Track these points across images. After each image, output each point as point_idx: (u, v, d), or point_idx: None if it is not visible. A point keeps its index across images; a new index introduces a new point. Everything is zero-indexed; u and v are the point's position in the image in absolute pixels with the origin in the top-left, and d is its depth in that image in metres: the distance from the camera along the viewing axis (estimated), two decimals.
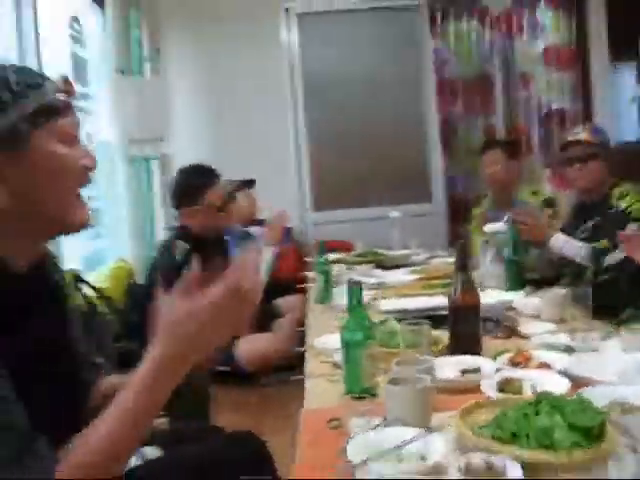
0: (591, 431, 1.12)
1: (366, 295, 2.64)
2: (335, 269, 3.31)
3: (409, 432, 1.20)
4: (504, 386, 1.43)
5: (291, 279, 4.03)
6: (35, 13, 3.53)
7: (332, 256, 3.81)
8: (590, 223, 3.02)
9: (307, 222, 5.36)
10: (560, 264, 3.05)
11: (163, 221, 4.93)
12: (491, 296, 2.44)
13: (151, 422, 1.14)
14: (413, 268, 3.28)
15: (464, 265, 1.80)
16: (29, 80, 1.15)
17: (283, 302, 3.73)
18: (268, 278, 3.84)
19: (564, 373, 1.50)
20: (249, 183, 4.17)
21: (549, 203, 3.59)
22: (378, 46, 5.45)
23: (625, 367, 1.48)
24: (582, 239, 2.96)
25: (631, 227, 2.71)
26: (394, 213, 4.19)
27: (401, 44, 5.47)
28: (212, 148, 5.29)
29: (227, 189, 3.99)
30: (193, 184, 3.20)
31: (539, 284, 2.63)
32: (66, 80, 1.19)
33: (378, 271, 3.34)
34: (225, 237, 3.58)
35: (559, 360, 1.61)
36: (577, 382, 1.45)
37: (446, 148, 5.32)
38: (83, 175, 1.22)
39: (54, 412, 1.15)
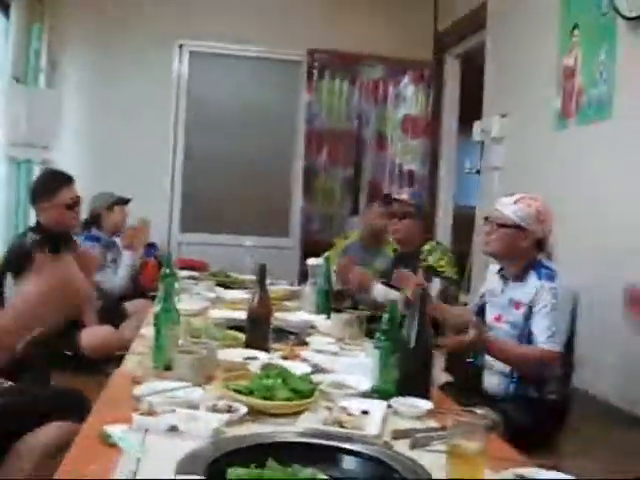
0: (302, 393, 1.68)
1: (201, 305, 3.19)
2: (185, 283, 3.83)
3: (183, 384, 1.73)
4: (265, 368, 1.96)
5: (148, 289, 4.48)
6: None
7: (187, 272, 4.33)
8: (404, 271, 3.65)
9: (173, 241, 5.83)
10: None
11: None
12: (300, 316, 3.04)
13: None
14: (249, 290, 3.80)
15: (262, 282, 2.35)
16: None
17: (132, 304, 4.17)
18: (125, 282, 4.30)
19: (313, 365, 2.06)
20: (125, 200, 4.61)
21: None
22: (259, 90, 6.08)
23: (353, 364, 2.07)
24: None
25: (436, 281, 3.39)
26: (248, 242, 4.74)
27: (280, 92, 6.13)
28: (94, 160, 5.66)
29: (107, 201, 4.44)
30: (48, 183, 3.64)
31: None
32: None
33: (220, 289, 3.84)
34: (80, 236, 4.02)
35: (317, 358, 2.18)
36: (317, 370, 2.01)
37: (306, 190, 5.93)
38: None
39: None
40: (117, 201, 4.58)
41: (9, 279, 3.43)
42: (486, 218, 2.78)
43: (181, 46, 5.92)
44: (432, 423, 1.69)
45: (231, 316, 2.88)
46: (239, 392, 1.66)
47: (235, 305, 3.26)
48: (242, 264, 4.59)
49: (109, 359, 3.43)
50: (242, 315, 2.83)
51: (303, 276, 5.04)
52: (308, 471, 1.23)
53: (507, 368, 2.66)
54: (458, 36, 5.73)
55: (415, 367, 1.86)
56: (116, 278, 4.24)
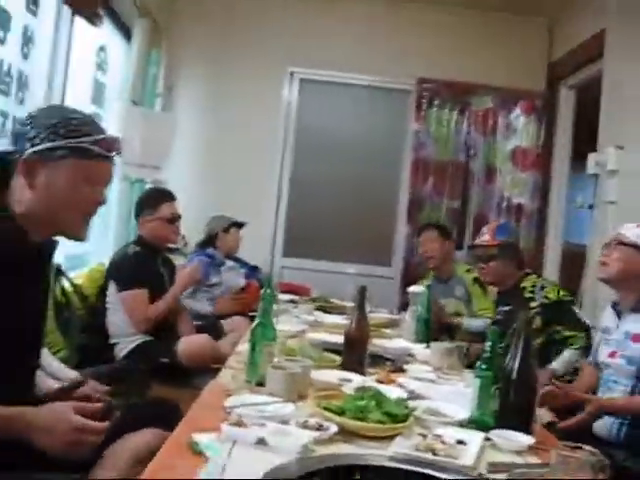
0: (396, 417, 1.62)
1: (300, 327, 3.18)
2: (285, 305, 3.86)
3: (275, 399, 1.70)
4: (359, 390, 1.91)
5: (249, 310, 4.54)
6: (70, 38, 4.08)
7: (288, 296, 4.35)
8: (503, 308, 3.53)
9: (276, 265, 5.87)
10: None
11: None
12: (399, 343, 2.98)
13: None
14: (348, 315, 3.77)
15: (361, 306, 2.31)
16: (83, 128, 1.63)
17: (230, 321, 4.23)
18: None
19: (409, 391, 1.99)
20: (241, 224, 4.77)
21: (477, 280, 4.10)
22: (367, 119, 6.07)
23: (450, 392, 1.99)
24: (496, 320, 3.49)
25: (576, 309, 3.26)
26: (350, 269, 4.73)
27: (388, 121, 6.10)
28: (203, 182, 5.82)
29: (224, 223, 4.61)
30: (152, 198, 3.79)
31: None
32: (117, 140, 1.70)
33: (319, 313, 3.83)
34: (196, 253, 4.15)
35: (413, 384, 2.11)
36: (415, 397, 1.94)
37: (411, 220, 5.85)
38: (92, 209, 1.71)
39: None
40: (233, 224, 4.74)
41: (112, 286, 3.57)
42: (605, 245, 2.67)
43: (292, 73, 6.01)
44: (533, 459, 1.59)
45: (329, 339, 2.85)
46: (331, 411, 1.62)
47: (334, 329, 3.23)
48: (343, 291, 4.57)
49: (204, 370, 3.48)
50: (340, 339, 2.81)
51: (403, 306, 4.98)
52: None
53: None
54: (573, 65, 5.55)
55: (517, 399, 1.76)
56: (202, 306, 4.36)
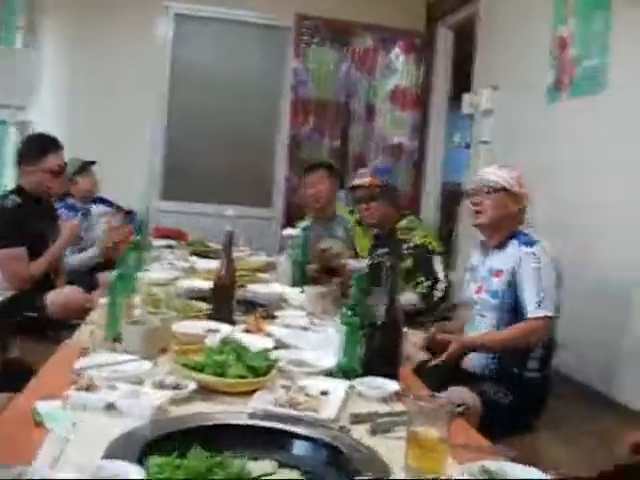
0: (257, 370, 1.56)
1: (172, 274, 3.07)
2: (161, 252, 3.72)
3: (129, 357, 1.60)
4: (224, 342, 1.83)
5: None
6: None
7: (164, 242, 4.20)
8: (381, 250, 3.52)
9: (152, 209, 5.66)
10: None
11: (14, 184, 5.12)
12: (272, 288, 2.92)
13: None
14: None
15: (228, 251, 2.22)
16: None
17: (102, 276, 4.03)
18: (97, 256, 4.17)
19: (276, 339, 1.94)
20: (89, 164, 4.46)
21: (359, 222, 4.07)
22: (245, 56, 5.89)
23: (318, 339, 1.95)
24: (376, 263, 3.49)
25: (435, 259, 3.27)
26: (229, 211, 4.58)
27: (267, 58, 5.94)
28: (73, 123, 5.48)
29: (74, 166, 4.29)
30: (36, 147, 3.50)
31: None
32: None
33: (195, 258, 3.71)
34: (57, 205, 3.88)
35: (281, 332, 2.06)
36: (282, 346, 1.89)
37: (291, 161, 5.77)
38: None
39: None
40: (83, 166, 4.43)
41: None
42: (468, 192, 2.67)
43: (167, 7, 5.71)
44: (398, 407, 1.58)
45: (202, 286, 2.75)
46: (189, 367, 1.54)
47: (209, 275, 3.13)
48: (221, 234, 4.46)
49: (72, 324, 3.32)
50: (209, 285, 2.73)
51: (283, 247, 4.93)
52: (240, 460, 1.11)
53: None
54: (451, 5, 5.56)
55: (383, 344, 1.73)
56: (88, 254, 4.11)
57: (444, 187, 6.00)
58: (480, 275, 2.67)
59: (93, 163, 4.40)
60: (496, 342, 2.53)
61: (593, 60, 3.44)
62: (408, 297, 3.14)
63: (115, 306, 1.91)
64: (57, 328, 3.27)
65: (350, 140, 6.02)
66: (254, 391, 1.52)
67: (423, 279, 3.25)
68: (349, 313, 1.75)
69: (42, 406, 1.32)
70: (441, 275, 3.29)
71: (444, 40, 5.93)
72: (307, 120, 5.80)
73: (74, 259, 3.99)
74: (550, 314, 2.40)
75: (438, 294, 3.19)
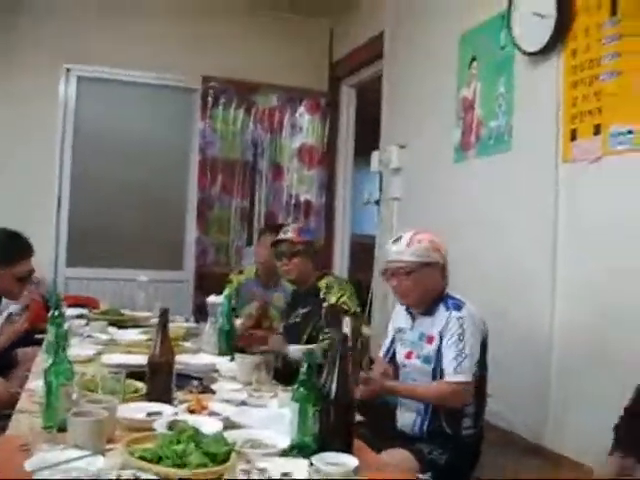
0: (217, 456, 1.52)
1: (94, 349, 2.96)
2: (75, 323, 3.57)
3: (82, 453, 1.53)
4: (172, 425, 1.79)
5: (36, 328, 4.15)
6: None
7: (75, 311, 4.03)
8: (301, 310, 3.54)
9: (60, 276, 5.48)
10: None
11: None
12: (202, 359, 2.87)
13: None
14: (144, 329, 3.58)
15: (164, 328, 2.17)
16: None
17: (23, 352, 3.84)
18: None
19: (224, 419, 1.90)
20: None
21: None
22: (152, 117, 5.85)
23: (268, 417, 1.93)
24: (295, 323, 3.50)
25: (346, 320, 3.29)
26: (142, 277, 4.49)
27: (174, 120, 5.92)
28: None
29: None
30: (7, 250, 3.37)
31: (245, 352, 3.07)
32: None
33: (113, 329, 3.60)
34: None
35: (227, 410, 2.02)
36: (231, 425, 1.86)
37: (200, 221, 5.73)
38: None
39: None
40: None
41: None
42: (385, 272, 2.70)
43: (68, 70, 5.61)
44: None
45: (127, 361, 2.67)
46: (147, 460, 1.48)
47: (132, 348, 3.05)
48: (135, 300, 4.36)
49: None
50: (140, 359, 2.64)
51: (198, 311, 4.85)
52: None
53: (420, 405, 2.59)
54: (354, 65, 5.74)
55: (337, 420, 1.73)
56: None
57: (355, 241, 6.11)
58: (409, 340, 2.71)
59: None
60: (414, 395, 2.58)
61: (499, 121, 3.61)
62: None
63: (52, 395, 1.83)
64: None
65: (258, 199, 6.04)
66: (215, 479, 1.48)
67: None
68: (301, 389, 1.74)
69: None
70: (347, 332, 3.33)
71: (347, 99, 6.10)
72: (215, 180, 5.79)
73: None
74: (464, 380, 2.46)
75: None
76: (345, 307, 3.34)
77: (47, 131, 5.50)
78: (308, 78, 6.04)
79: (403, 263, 2.57)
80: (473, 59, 3.90)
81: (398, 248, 2.59)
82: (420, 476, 1.38)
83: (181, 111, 5.95)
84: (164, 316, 2.18)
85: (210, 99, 5.83)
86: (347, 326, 3.15)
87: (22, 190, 5.32)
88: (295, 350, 3.20)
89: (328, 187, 6.13)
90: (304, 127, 6.11)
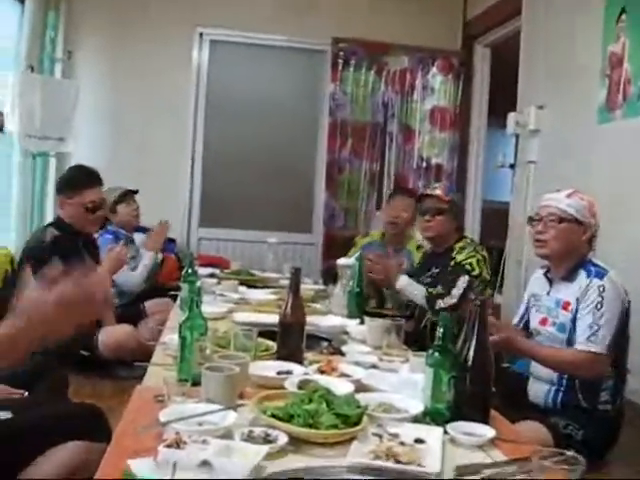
0: (349, 418, 1.48)
1: (225, 307, 3.00)
2: (207, 281, 3.64)
3: (214, 408, 1.53)
4: (302, 385, 1.76)
5: (168, 286, 4.31)
6: None
7: (207, 270, 4.12)
8: (434, 270, 3.45)
9: (192, 236, 5.63)
10: (409, 304, 3.51)
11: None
12: (332, 320, 2.84)
13: None
14: (274, 289, 3.61)
15: (295, 289, 2.14)
16: None
17: (152, 304, 3.99)
18: (147, 281, 4.13)
19: (355, 381, 1.86)
20: (131, 192, 4.43)
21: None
22: (282, 81, 5.86)
23: (400, 382, 1.86)
24: (426, 283, 3.41)
25: (463, 278, 3.20)
26: (271, 239, 4.53)
27: (303, 83, 5.91)
28: (110, 153, 5.49)
29: (115, 194, 4.26)
30: (73, 179, 3.48)
31: (376, 315, 3.01)
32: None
33: (243, 288, 3.64)
34: (97, 236, 3.84)
35: (358, 373, 1.97)
36: (362, 388, 1.81)
37: (329, 185, 5.71)
38: None
39: None
40: (125, 193, 4.40)
41: (27, 273, 3.27)
42: (532, 218, 2.57)
43: (201, 34, 5.71)
44: (496, 453, 1.49)
45: (258, 320, 2.68)
46: (279, 418, 1.46)
47: (261, 307, 3.07)
48: (264, 261, 4.41)
49: (125, 361, 3.26)
50: (270, 319, 2.65)
51: (326, 273, 4.85)
52: None
53: (554, 375, 2.46)
54: (489, 24, 5.50)
55: (473, 388, 1.64)
56: (135, 277, 4.05)
57: (487, 206, 5.91)
58: (545, 305, 2.57)
59: (135, 192, 4.38)
60: (539, 356, 2.44)
61: None
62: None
63: (187, 349, 1.85)
64: (107, 366, 3.23)
65: (388, 162, 5.94)
66: (346, 441, 1.44)
67: (439, 289, 3.26)
68: (436, 354, 1.67)
69: (135, 465, 1.25)
70: (455, 292, 3.21)
71: (482, 59, 5.87)
72: (345, 144, 5.74)
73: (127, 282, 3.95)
74: (597, 350, 2.29)
75: (441, 304, 3.21)
76: (468, 267, 3.23)
77: (181, 95, 5.64)
78: (440, 38, 5.85)
79: (557, 210, 2.43)
80: (622, 11, 3.61)
81: (556, 196, 2.48)
82: (567, 453, 1.27)
83: (310, 74, 5.93)
84: (296, 276, 2.15)
85: (340, 61, 5.76)
86: (462, 285, 3.06)
87: (157, 154, 5.49)
88: (404, 281, 3.21)
89: (460, 150, 5.94)
90: (436, 88, 5.94)
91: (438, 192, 3.42)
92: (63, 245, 3.31)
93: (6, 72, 4.65)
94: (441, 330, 1.69)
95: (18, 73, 4.61)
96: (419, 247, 4.04)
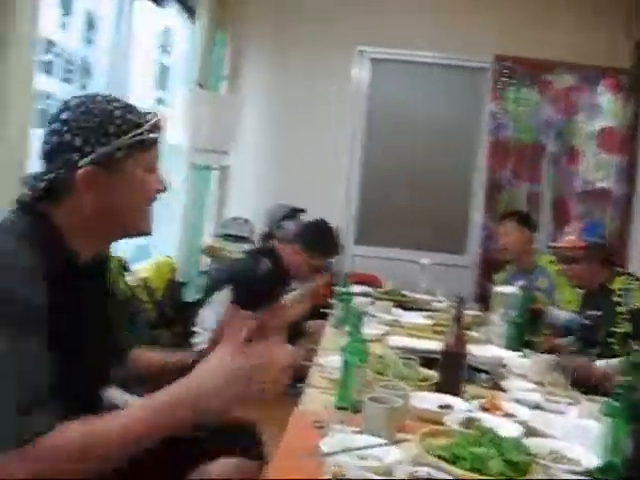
0: (518, 465, 1.39)
1: (379, 329, 2.96)
2: (359, 301, 3.62)
3: (376, 440, 1.48)
4: (467, 424, 1.68)
5: (322, 304, 4.32)
6: (131, 21, 3.92)
7: (360, 288, 4.10)
8: (591, 312, 3.20)
9: (347, 253, 5.64)
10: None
11: (211, 230, 5.33)
12: (491, 351, 2.73)
13: (137, 449, 1.27)
14: (429, 313, 3.53)
15: (459, 317, 2.07)
16: (132, 118, 1.44)
17: (313, 324, 4.01)
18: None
19: (522, 423, 1.75)
20: (299, 211, 4.51)
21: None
22: (441, 99, 5.78)
23: (570, 428, 1.74)
24: (585, 326, 3.19)
25: None
26: (424, 260, 4.46)
27: (463, 101, 5.80)
28: (269, 168, 5.63)
29: (282, 212, 4.36)
30: (321, 244, 3.65)
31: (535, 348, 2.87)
32: (159, 118, 1.50)
33: (397, 310, 3.59)
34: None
35: (523, 413, 1.86)
36: (529, 432, 1.70)
37: (489, 206, 5.55)
38: (155, 196, 1.53)
39: (83, 373, 1.37)
40: (293, 212, 4.51)
41: (223, 295, 3.38)
42: None
43: (361, 52, 5.74)
44: None
45: (415, 345, 2.63)
46: (443, 459, 1.39)
47: (416, 331, 3.01)
48: (415, 281, 4.34)
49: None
50: (427, 345, 2.58)
51: (480, 298, 4.70)
52: None
53: None
54: None
55: None
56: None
57: None
58: None
59: (302, 211, 4.46)
60: None
61: None
62: (615, 363, 2.82)
63: (347, 373, 1.82)
64: None
65: (549, 184, 5.70)
66: None
67: None
68: (615, 403, 1.54)
69: None
70: None
71: None
72: (505, 164, 5.56)
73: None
74: None
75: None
76: None
77: (339, 111, 5.68)
78: (607, 56, 5.52)
79: None
80: None
81: None
82: None
83: (471, 91, 5.80)
84: (460, 305, 2.08)
85: (502, 79, 5.59)
86: None
87: (314, 171, 5.56)
88: (603, 365, 2.87)
89: (629, 175, 5.58)
90: (604, 108, 5.61)
91: (571, 239, 3.19)
92: (273, 282, 3.43)
93: (176, 88, 4.89)
94: (624, 377, 1.56)
95: (187, 89, 4.82)
96: (552, 261, 3.88)
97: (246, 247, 4.70)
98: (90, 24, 3.45)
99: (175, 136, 4.76)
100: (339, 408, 1.80)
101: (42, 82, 2.92)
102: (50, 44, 3.06)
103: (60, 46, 3.14)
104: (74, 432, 1.21)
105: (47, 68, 3.04)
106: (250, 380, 1.32)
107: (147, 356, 1.83)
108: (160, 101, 4.79)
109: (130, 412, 1.27)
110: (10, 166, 2.47)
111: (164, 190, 1.54)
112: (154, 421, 1.27)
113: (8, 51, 2.48)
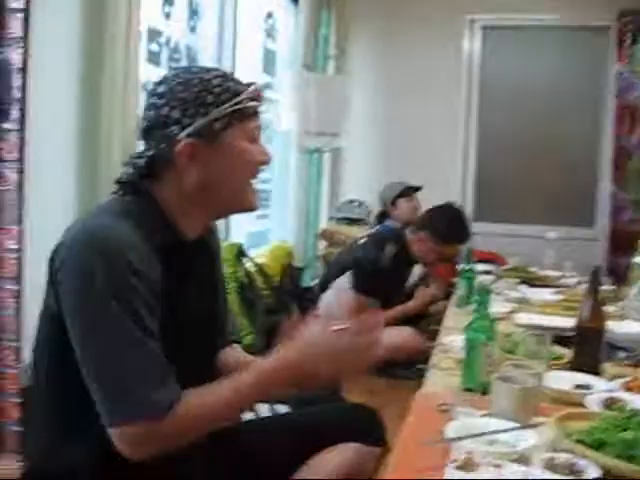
0: None
1: (506, 307, 2.79)
2: (482, 279, 3.45)
3: (507, 424, 1.34)
4: (609, 404, 1.51)
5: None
6: (235, 8, 3.91)
7: (482, 266, 3.93)
8: None
9: None
10: None
11: (327, 212, 5.26)
12: (628, 327, 2.50)
13: (250, 406, 1.43)
14: (558, 289, 3.32)
15: (595, 291, 1.88)
16: (230, 86, 1.37)
17: (434, 305, 3.89)
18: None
19: None
20: (414, 189, 4.37)
21: None
22: (560, 64, 5.47)
23: None
24: None
25: None
26: (551, 234, 4.23)
27: (584, 64, 5.45)
28: (382, 148, 5.52)
29: (396, 190, 4.24)
30: (452, 233, 3.61)
31: None
32: (260, 88, 1.42)
33: (523, 287, 3.40)
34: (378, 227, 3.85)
35: None
36: None
37: (616, 174, 5.19)
38: (258, 168, 1.45)
39: (184, 362, 1.34)
40: (407, 190, 4.36)
41: (345, 277, 3.35)
42: None
43: (472, 21, 5.50)
44: None
45: (546, 323, 2.45)
46: (586, 445, 1.24)
47: (546, 308, 2.82)
48: (541, 257, 4.11)
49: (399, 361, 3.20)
50: (560, 322, 2.41)
51: (613, 272, 4.40)
52: None
53: None
54: None
55: None
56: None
57: None
58: None
59: (418, 189, 4.33)
60: None
61: None
62: None
63: (472, 353, 1.69)
64: (388, 365, 3.17)
65: None
66: None
67: None
68: None
69: None
70: None
71: None
72: (634, 128, 5.18)
73: None
74: None
75: None
76: None
77: (451, 84, 5.50)
78: None
79: None
80: None
81: None
82: None
83: (591, 53, 5.45)
84: (596, 276, 1.90)
85: (627, 36, 5.21)
86: None
87: (428, 147, 5.40)
88: None
89: None
90: None
91: None
92: (398, 268, 3.37)
93: (283, 72, 4.84)
94: None
95: (294, 72, 4.76)
96: None
97: (364, 231, 4.60)
98: (194, 12, 3.44)
99: (285, 121, 4.71)
100: (465, 390, 1.67)
101: (149, 71, 2.93)
102: (155, 33, 3.06)
103: (165, 35, 3.14)
104: (198, 397, 1.28)
105: (153, 58, 3.04)
106: (357, 352, 1.36)
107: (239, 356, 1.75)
108: (269, 86, 4.75)
109: (241, 377, 1.33)
110: (121, 156, 2.48)
111: (268, 162, 1.46)
112: (262, 384, 1.33)
113: (115, 43, 2.49)
